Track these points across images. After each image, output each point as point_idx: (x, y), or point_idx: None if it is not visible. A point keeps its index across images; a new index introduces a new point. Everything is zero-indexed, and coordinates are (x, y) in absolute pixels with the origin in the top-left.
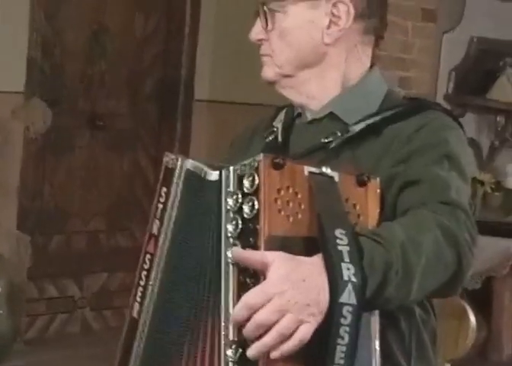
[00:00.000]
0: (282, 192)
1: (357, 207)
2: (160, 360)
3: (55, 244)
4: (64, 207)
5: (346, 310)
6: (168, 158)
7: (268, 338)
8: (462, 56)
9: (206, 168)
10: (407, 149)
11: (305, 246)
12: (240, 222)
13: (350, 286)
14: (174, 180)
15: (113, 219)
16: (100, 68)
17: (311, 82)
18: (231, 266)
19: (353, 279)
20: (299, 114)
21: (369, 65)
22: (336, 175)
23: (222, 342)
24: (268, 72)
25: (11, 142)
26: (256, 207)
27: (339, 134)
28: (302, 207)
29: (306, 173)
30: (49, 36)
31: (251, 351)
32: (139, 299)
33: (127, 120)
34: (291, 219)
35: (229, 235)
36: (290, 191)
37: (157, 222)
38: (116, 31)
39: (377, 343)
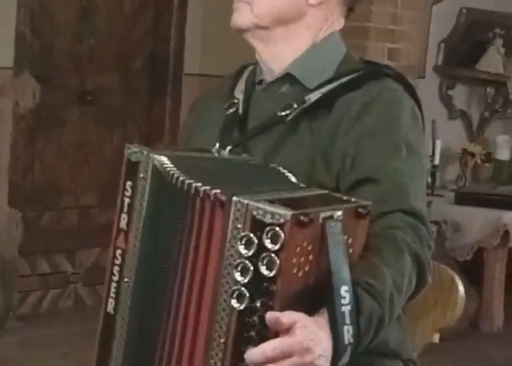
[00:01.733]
0: (298, 249)
1: (350, 240)
2: (143, 357)
3: (46, 220)
4: (55, 183)
5: None
6: (131, 150)
7: None
8: (452, 27)
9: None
10: (357, 129)
11: (309, 297)
12: (251, 272)
13: (348, 349)
14: (140, 174)
15: (104, 195)
16: (90, 43)
17: (281, 40)
18: (235, 312)
19: (351, 340)
20: (260, 82)
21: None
22: (341, 214)
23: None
24: (243, 19)
25: (0, 119)
26: (276, 268)
27: (295, 106)
28: (310, 257)
29: (321, 220)
30: (38, 12)
31: None
32: (113, 294)
33: (117, 95)
34: (300, 273)
35: (238, 280)
36: (304, 244)
37: (125, 216)
38: (105, 6)
39: None
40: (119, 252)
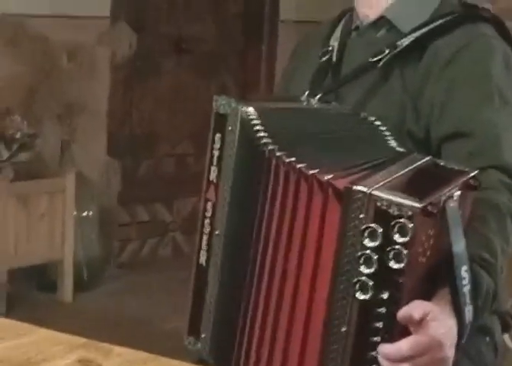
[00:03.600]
0: (424, 237)
1: (460, 212)
2: (234, 306)
3: (144, 168)
4: (152, 132)
5: (456, 349)
6: (219, 102)
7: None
8: None
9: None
10: (447, 76)
11: (430, 281)
12: (376, 264)
13: (467, 328)
14: (229, 127)
15: (200, 143)
16: None
17: None
18: (357, 303)
19: (470, 319)
20: (357, 28)
21: None
22: (459, 193)
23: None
24: None
25: (98, 68)
26: (404, 260)
27: (386, 51)
28: (431, 242)
29: (442, 203)
30: None
31: None
32: (205, 246)
33: (212, 42)
34: (424, 259)
35: (361, 271)
36: (428, 231)
37: (214, 169)
38: None
39: None
40: (209, 204)
